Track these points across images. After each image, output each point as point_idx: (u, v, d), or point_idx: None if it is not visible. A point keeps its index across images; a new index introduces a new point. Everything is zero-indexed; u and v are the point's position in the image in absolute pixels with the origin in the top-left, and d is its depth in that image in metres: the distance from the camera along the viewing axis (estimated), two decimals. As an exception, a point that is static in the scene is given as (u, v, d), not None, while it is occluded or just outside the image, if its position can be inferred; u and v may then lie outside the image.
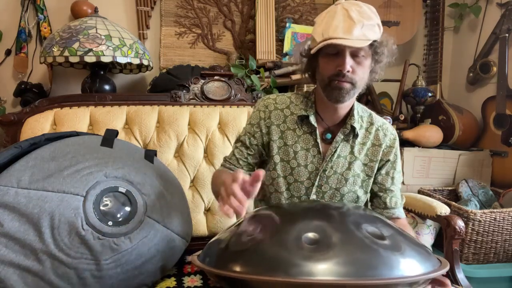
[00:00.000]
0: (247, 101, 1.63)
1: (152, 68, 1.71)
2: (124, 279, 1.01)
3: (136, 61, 1.53)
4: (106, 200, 1.01)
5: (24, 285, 0.90)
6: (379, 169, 1.09)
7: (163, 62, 1.92)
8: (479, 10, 2.14)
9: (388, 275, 0.64)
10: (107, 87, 1.63)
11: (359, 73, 0.95)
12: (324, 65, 0.97)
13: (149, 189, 1.10)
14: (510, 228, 1.66)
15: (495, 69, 2.05)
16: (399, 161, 1.11)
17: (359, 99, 2.18)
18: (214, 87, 1.60)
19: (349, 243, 0.67)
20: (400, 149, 1.95)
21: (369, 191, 1.10)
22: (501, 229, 1.66)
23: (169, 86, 1.64)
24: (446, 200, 1.75)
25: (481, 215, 1.62)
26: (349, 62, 0.92)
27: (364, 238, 0.69)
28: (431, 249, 1.77)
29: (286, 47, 1.97)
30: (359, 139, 1.06)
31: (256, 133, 1.08)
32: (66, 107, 1.43)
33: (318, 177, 1.04)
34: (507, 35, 1.95)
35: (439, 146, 2.04)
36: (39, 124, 1.38)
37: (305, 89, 1.78)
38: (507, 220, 1.65)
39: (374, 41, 0.93)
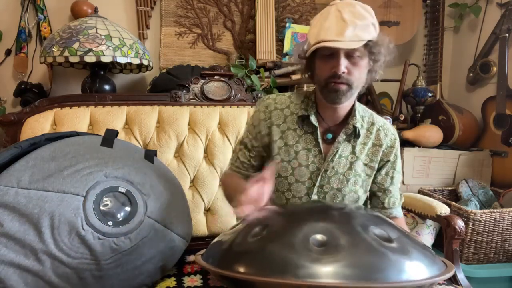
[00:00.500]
0: (247, 101, 1.63)
1: (152, 68, 1.71)
2: (124, 279, 1.01)
3: (136, 61, 1.53)
4: (106, 200, 1.01)
5: (24, 285, 0.90)
6: (379, 169, 1.09)
7: (163, 62, 1.92)
8: (479, 10, 2.14)
9: (396, 279, 0.64)
10: (107, 87, 1.63)
11: (355, 74, 0.94)
12: (320, 67, 0.97)
13: (149, 189, 1.10)
14: (510, 228, 1.66)
15: (495, 69, 2.05)
16: (399, 161, 1.11)
17: (359, 99, 2.18)
18: (214, 87, 1.60)
19: (357, 245, 0.67)
20: (400, 149, 1.95)
21: (368, 190, 1.10)
22: (501, 229, 1.66)
23: (169, 86, 1.63)
24: (446, 200, 1.75)
25: (481, 215, 1.62)
26: (343, 63, 0.91)
27: (372, 241, 0.68)
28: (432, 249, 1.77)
29: (286, 47, 1.97)
30: (360, 139, 1.06)
31: (257, 134, 1.08)
32: (66, 107, 1.43)
33: (320, 177, 1.04)
34: (507, 35, 1.95)
35: (439, 146, 2.04)
36: (39, 124, 1.38)
37: (305, 89, 1.77)
38: (507, 220, 1.65)
39: (369, 41, 0.92)
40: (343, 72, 0.92)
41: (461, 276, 1.26)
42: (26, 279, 0.90)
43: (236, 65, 1.79)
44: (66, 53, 1.41)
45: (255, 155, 1.10)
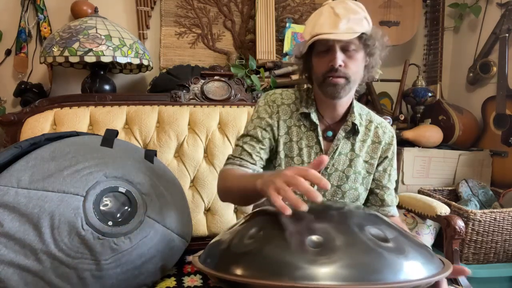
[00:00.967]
0: (247, 101, 1.63)
1: (152, 68, 1.71)
2: (124, 279, 1.01)
3: (136, 61, 1.53)
4: (106, 200, 1.01)
5: (24, 285, 0.90)
6: (377, 166, 1.10)
7: (163, 62, 1.92)
8: (479, 10, 2.14)
9: (393, 279, 0.63)
10: (107, 87, 1.63)
11: (352, 67, 0.95)
12: (317, 63, 0.98)
13: (149, 189, 1.10)
14: (510, 228, 1.66)
15: (495, 69, 2.04)
16: (395, 158, 1.13)
17: (359, 99, 2.18)
18: (214, 87, 1.60)
19: (353, 246, 0.67)
20: (400, 149, 1.95)
21: (369, 188, 1.10)
22: (501, 229, 1.66)
23: (169, 86, 1.64)
24: (446, 200, 1.75)
25: (481, 215, 1.62)
26: (340, 56, 0.93)
27: (368, 241, 0.68)
28: (431, 248, 1.77)
29: (286, 47, 1.97)
30: (359, 137, 1.07)
31: (268, 126, 1.05)
32: (66, 107, 1.43)
33: (320, 174, 1.04)
34: (507, 35, 1.95)
35: (439, 146, 2.04)
36: (39, 124, 1.38)
37: (304, 87, 1.78)
38: (507, 220, 1.65)
39: (363, 33, 0.94)
40: (340, 66, 0.93)
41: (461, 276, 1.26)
42: (26, 279, 0.90)
43: (236, 65, 1.79)
44: (66, 53, 1.41)
45: (265, 147, 1.04)
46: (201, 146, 1.49)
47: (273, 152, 1.08)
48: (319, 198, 0.67)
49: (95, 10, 1.63)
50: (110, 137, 1.17)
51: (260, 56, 1.92)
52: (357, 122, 1.04)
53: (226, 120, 1.53)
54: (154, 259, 1.06)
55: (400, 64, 2.12)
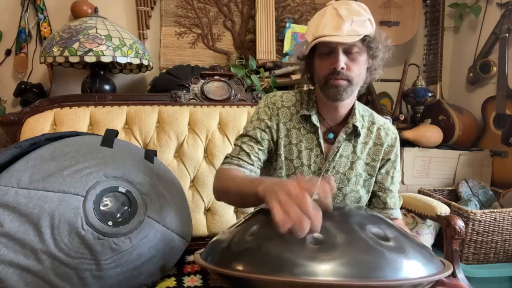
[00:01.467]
0: (247, 101, 1.63)
1: (152, 68, 1.71)
2: (124, 279, 1.01)
3: (136, 61, 1.53)
4: (106, 200, 1.01)
5: (24, 285, 0.90)
6: (379, 168, 1.08)
7: (163, 62, 1.92)
8: (479, 10, 2.14)
9: (393, 277, 0.64)
10: (107, 87, 1.63)
11: (355, 70, 0.94)
12: (319, 65, 0.97)
13: (149, 189, 1.10)
14: (510, 228, 1.66)
15: (495, 69, 2.04)
16: (399, 160, 1.11)
17: (359, 99, 2.18)
18: (214, 87, 1.60)
19: (353, 244, 0.67)
20: (400, 149, 1.95)
21: (371, 190, 1.10)
22: (501, 229, 1.66)
23: (169, 86, 1.64)
24: (446, 200, 1.75)
25: (481, 215, 1.62)
26: (342, 59, 0.92)
27: (369, 239, 0.68)
28: (431, 249, 1.77)
29: (286, 47, 1.97)
30: (361, 139, 1.06)
31: (267, 128, 1.05)
32: (66, 107, 1.43)
33: (321, 177, 1.04)
34: (507, 35, 1.95)
35: (439, 146, 2.04)
36: (39, 124, 1.38)
37: (305, 88, 1.77)
38: (507, 220, 1.65)
39: (367, 36, 0.93)
40: (342, 68, 0.92)
41: (461, 276, 1.26)
42: (26, 279, 0.90)
43: (236, 65, 1.79)
44: (66, 53, 1.41)
45: (264, 148, 1.04)
46: (201, 146, 1.49)
47: (273, 154, 1.08)
48: (308, 230, 0.62)
49: (95, 10, 1.63)
50: (110, 137, 1.17)
51: (260, 56, 1.92)
52: (358, 124, 1.03)
53: (226, 120, 1.53)
54: (154, 259, 1.06)
55: (400, 64, 2.12)
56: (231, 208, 1.50)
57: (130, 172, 1.08)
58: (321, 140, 1.04)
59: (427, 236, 1.81)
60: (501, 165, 2.01)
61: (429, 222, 1.80)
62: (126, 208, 1.03)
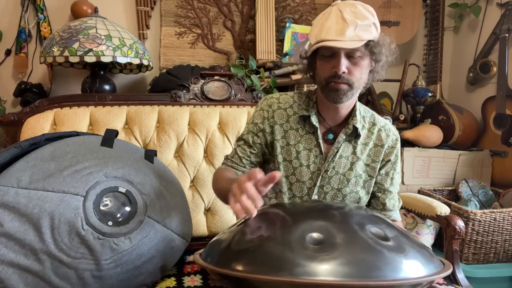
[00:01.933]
0: (247, 101, 1.63)
1: (152, 68, 1.71)
2: (124, 279, 1.01)
3: (136, 61, 1.53)
4: (106, 200, 1.01)
5: (24, 285, 0.90)
6: (379, 169, 1.08)
7: (163, 62, 1.92)
8: (479, 10, 2.14)
9: (392, 277, 0.64)
10: (107, 87, 1.63)
11: (356, 74, 0.94)
12: (321, 67, 0.97)
13: (149, 189, 1.10)
14: (510, 228, 1.66)
15: (495, 69, 2.05)
16: (399, 162, 1.11)
17: (359, 99, 2.18)
18: (214, 87, 1.60)
19: (353, 243, 0.67)
20: (400, 149, 1.95)
21: (371, 191, 1.09)
22: (501, 229, 1.66)
23: (169, 86, 1.64)
24: (446, 200, 1.75)
25: (481, 215, 1.62)
26: (344, 63, 0.92)
27: (368, 239, 0.69)
28: (431, 249, 1.77)
29: (286, 47, 1.97)
30: (361, 140, 1.06)
31: (260, 132, 1.07)
32: (66, 107, 1.43)
33: (320, 177, 1.04)
34: (507, 35, 1.95)
35: (439, 146, 2.04)
36: (39, 124, 1.38)
37: (305, 89, 1.78)
38: (507, 220, 1.65)
39: (370, 40, 0.92)
40: (344, 72, 0.92)
41: (461, 276, 1.26)
42: (26, 279, 0.90)
43: (236, 65, 1.79)
44: (66, 53, 1.41)
45: (256, 151, 1.08)
46: (201, 146, 1.49)
47: (268, 156, 1.09)
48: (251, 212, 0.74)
49: (95, 10, 1.63)
50: (110, 137, 1.17)
51: (260, 56, 1.92)
52: (359, 125, 1.03)
53: (226, 120, 1.53)
54: (154, 259, 1.06)
55: (400, 64, 2.12)
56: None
57: (130, 172, 1.08)
58: (321, 141, 1.04)
59: (427, 236, 1.81)
60: (501, 165, 2.01)
61: (429, 222, 1.80)
62: (126, 208, 1.03)
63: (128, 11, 1.90)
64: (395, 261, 0.66)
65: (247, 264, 0.68)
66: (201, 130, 1.49)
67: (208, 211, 1.49)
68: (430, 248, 1.80)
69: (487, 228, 1.64)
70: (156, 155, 1.29)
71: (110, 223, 0.98)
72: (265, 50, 1.94)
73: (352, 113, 1.05)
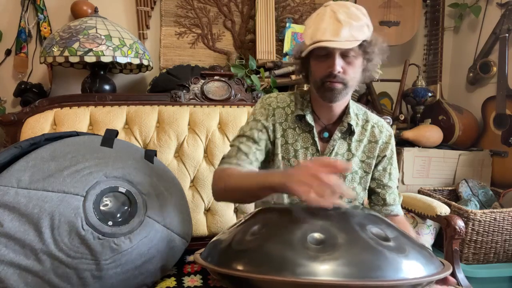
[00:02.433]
0: (247, 101, 1.63)
1: (152, 68, 1.71)
2: (124, 279, 1.01)
3: (136, 61, 1.53)
4: (106, 200, 1.01)
5: (24, 285, 0.90)
6: (376, 165, 1.10)
7: (163, 62, 1.92)
8: (479, 10, 2.14)
9: (393, 277, 0.64)
10: (107, 87, 1.63)
11: (350, 73, 0.96)
12: (316, 67, 0.98)
13: (149, 189, 1.10)
14: (510, 228, 1.66)
15: (495, 69, 2.04)
16: (395, 157, 1.13)
17: (359, 99, 2.18)
18: (214, 87, 1.60)
19: (354, 244, 0.68)
20: (400, 149, 1.95)
21: (367, 188, 1.11)
22: (501, 229, 1.66)
23: (169, 86, 1.64)
24: (446, 200, 1.75)
25: (481, 215, 1.62)
26: (339, 63, 0.93)
27: (369, 239, 0.69)
28: (431, 249, 1.77)
29: (286, 47, 1.97)
30: (355, 137, 1.07)
31: (263, 128, 1.06)
32: (66, 107, 1.43)
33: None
34: (507, 35, 1.95)
35: (439, 146, 2.04)
36: (39, 124, 1.38)
37: (305, 88, 1.77)
38: (507, 220, 1.65)
39: (364, 40, 0.94)
40: (339, 72, 0.94)
41: (461, 276, 1.26)
42: (26, 279, 0.90)
43: (236, 65, 1.79)
44: (66, 53, 1.41)
45: (261, 148, 1.05)
46: (201, 146, 1.49)
47: (270, 154, 1.09)
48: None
49: (95, 10, 1.63)
50: (110, 137, 1.17)
51: (260, 56, 1.92)
52: (352, 122, 1.05)
53: (226, 120, 1.53)
54: (154, 259, 1.06)
55: (400, 64, 2.12)
56: (231, 208, 1.50)
57: (130, 172, 1.08)
58: (317, 139, 1.05)
59: (427, 236, 1.81)
60: (501, 165, 2.01)
61: (429, 222, 1.80)
62: (126, 208, 1.03)
63: (128, 11, 1.90)
64: (395, 262, 0.66)
65: (248, 264, 0.68)
66: (201, 130, 1.50)
67: (208, 211, 1.49)
68: (430, 248, 1.80)
69: (487, 228, 1.64)
70: (156, 155, 1.29)
71: (110, 223, 0.99)
72: (265, 50, 1.94)
73: (345, 111, 1.06)
